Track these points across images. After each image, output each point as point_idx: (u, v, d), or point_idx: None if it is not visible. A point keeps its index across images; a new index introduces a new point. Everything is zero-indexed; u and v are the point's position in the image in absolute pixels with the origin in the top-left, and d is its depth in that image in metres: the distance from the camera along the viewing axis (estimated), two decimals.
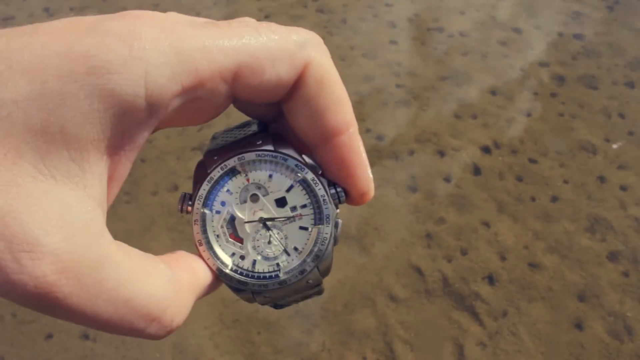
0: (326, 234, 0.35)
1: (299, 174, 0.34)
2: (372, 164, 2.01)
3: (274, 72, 0.29)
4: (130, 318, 0.26)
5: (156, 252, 0.31)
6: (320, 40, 0.31)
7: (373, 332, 1.48)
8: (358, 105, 2.10)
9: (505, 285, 1.56)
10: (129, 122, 0.26)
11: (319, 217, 0.35)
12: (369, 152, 1.91)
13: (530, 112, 2.08)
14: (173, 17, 0.28)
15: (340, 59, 2.28)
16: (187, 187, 0.36)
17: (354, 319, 1.50)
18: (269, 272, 0.34)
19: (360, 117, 2.04)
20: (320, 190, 0.34)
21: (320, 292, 0.38)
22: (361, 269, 1.61)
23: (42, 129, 0.23)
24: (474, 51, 2.33)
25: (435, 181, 1.84)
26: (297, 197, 0.35)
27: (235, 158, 0.34)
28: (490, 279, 1.57)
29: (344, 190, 0.34)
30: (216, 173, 0.34)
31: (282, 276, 0.34)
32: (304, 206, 0.35)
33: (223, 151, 0.35)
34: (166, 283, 0.29)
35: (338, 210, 0.35)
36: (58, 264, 0.23)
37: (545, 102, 2.11)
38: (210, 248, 0.34)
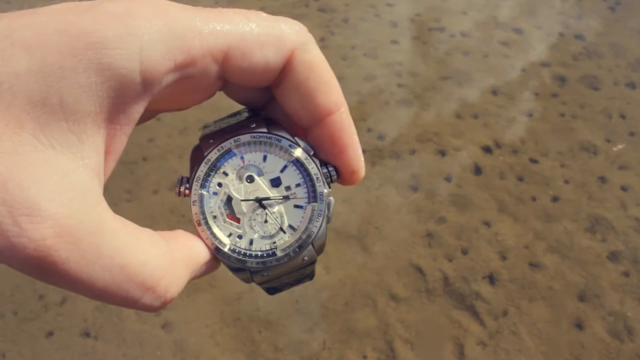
0: (320, 211, 0.36)
1: (292, 154, 0.35)
2: (373, 164, 2.01)
3: (263, 55, 0.30)
4: (126, 286, 0.27)
5: None
6: (306, 29, 0.33)
7: (374, 331, 1.48)
8: (359, 105, 2.10)
9: (506, 285, 1.56)
10: (125, 96, 0.27)
11: (313, 196, 0.36)
12: (370, 151, 1.91)
13: (532, 112, 2.08)
14: (166, 1, 0.29)
15: (341, 58, 2.28)
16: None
17: (355, 317, 1.50)
18: (266, 250, 0.35)
19: (361, 117, 2.04)
20: (313, 169, 0.36)
21: (311, 277, 0.39)
22: (362, 268, 1.61)
23: (42, 100, 0.24)
24: (475, 51, 2.33)
25: (436, 181, 1.84)
26: (291, 177, 0.36)
27: (231, 140, 0.35)
28: (491, 279, 1.58)
29: (335, 169, 0.36)
30: (213, 155, 0.35)
31: (279, 253, 0.35)
32: (297, 185, 0.36)
33: (218, 135, 0.36)
34: (161, 254, 0.30)
35: (330, 189, 0.36)
36: (56, 227, 0.24)
37: (546, 102, 2.11)
38: (209, 228, 0.35)
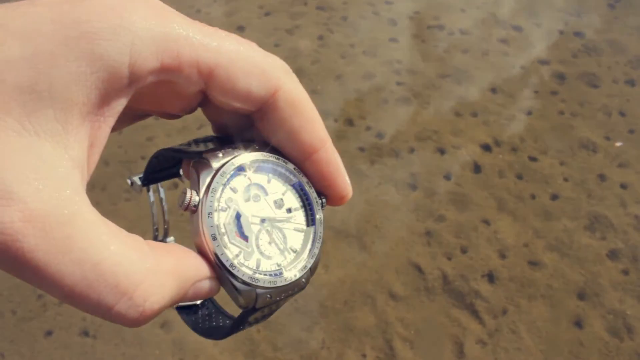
0: (320, 233, 0.37)
1: (294, 178, 0.36)
2: (372, 162, 2.00)
3: (246, 84, 0.31)
4: (98, 286, 0.25)
5: None
6: (289, 69, 0.33)
7: (373, 329, 1.48)
8: (358, 103, 2.09)
9: (505, 283, 1.56)
10: (111, 88, 0.27)
11: (312, 219, 0.37)
12: (369, 150, 1.91)
13: (531, 110, 2.08)
14: (164, 5, 0.29)
15: (340, 56, 2.28)
16: (187, 185, 0.36)
17: (354, 316, 1.50)
18: (272, 270, 0.35)
19: (360, 115, 2.04)
20: (313, 194, 0.36)
21: (303, 288, 0.39)
22: (361, 267, 1.61)
23: (31, 86, 0.24)
24: (474, 49, 2.33)
25: (435, 179, 1.84)
26: (292, 200, 0.36)
27: (244, 155, 0.35)
28: (490, 277, 1.58)
29: (325, 196, 0.37)
30: (227, 168, 0.34)
31: (285, 274, 0.35)
32: (296, 209, 0.37)
33: (227, 150, 0.35)
34: (142, 257, 0.27)
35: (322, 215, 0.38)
36: (26, 211, 0.23)
37: (546, 100, 2.11)
38: (217, 245, 0.33)
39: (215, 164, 0.34)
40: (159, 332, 1.48)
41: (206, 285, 0.32)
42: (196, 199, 0.33)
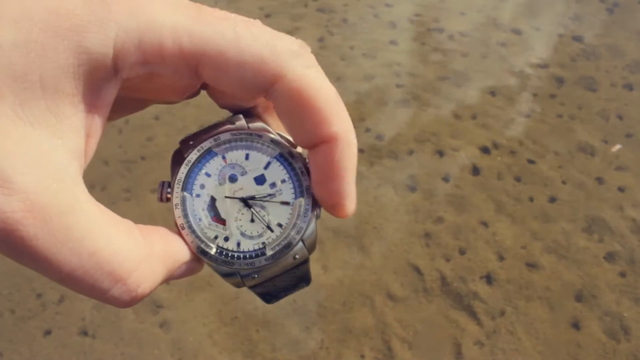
0: (308, 205, 0.34)
1: (275, 150, 0.34)
2: (371, 164, 2.01)
3: (239, 75, 0.28)
4: (94, 273, 0.26)
5: None
6: (306, 50, 0.30)
7: (371, 330, 1.48)
8: (358, 105, 2.10)
9: (503, 285, 1.57)
10: (98, 79, 0.27)
11: (300, 190, 0.35)
12: (369, 151, 1.92)
13: (529, 113, 2.09)
14: None
15: (340, 58, 2.29)
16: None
17: (353, 317, 1.51)
18: (254, 250, 0.34)
19: (360, 117, 2.05)
20: (297, 163, 0.34)
21: (308, 281, 0.38)
22: (360, 268, 1.61)
23: (23, 75, 0.24)
24: (473, 52, 2.34)
25: (434, 181, 1.84)
26: (276, 173, 0.35)
27: (211, 139, 0.34)
28: (488, 279, 1.58)
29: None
30: (193, 156, 0.34)
31: (268, 252, 0.34)
32: (283, 181, 0.35)
33: (198, 135, 0.35)
34: (136, 245, 0.28)
35: None
36: (27, 202, 0.24)
37: (544, 103, 2.12)
38: (193, 232, 0.34)
39: (185, 153, 0.34)
40: (158, 332, 1.48)
41: (190, 265, 0.34)
42: (168, 190, 0.34)
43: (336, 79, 2.17)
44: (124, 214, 0.30)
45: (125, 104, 0.33)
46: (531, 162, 1.90)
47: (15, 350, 1.46)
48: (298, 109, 0.29)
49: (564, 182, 1.84)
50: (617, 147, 1.93)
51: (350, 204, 0.33)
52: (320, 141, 0.31)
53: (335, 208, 0.33)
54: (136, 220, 0.31)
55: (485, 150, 1.94)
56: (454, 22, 2.49)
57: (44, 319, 1.52)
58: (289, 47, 0.29)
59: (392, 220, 1.73)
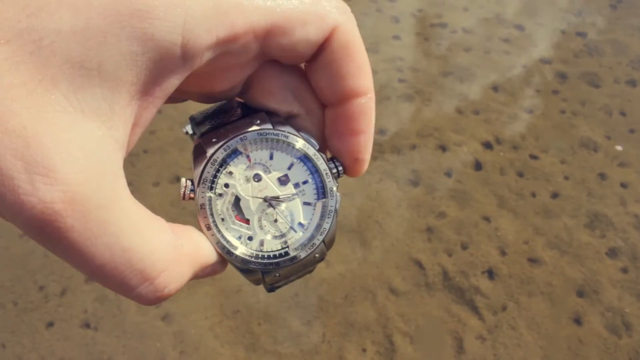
0: (331, 206, 0.35)
1: (299, 151, 0.35)
2: (374, 158, 2.00)
3: (304, 33, 0.30)
4: (124, 270, 0.26)
5: None
6: (348, 9, 0.32)
7: (373, 324, 1.48)
8: None
9: (505, 280, 1.57)
10: (163, 69, 0.26)
11: (322, 192, 0.35)
12: None
13: (532, 108, 2.08)
14: None
15: None
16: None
17: (354, 311, 1.51)
18: (277, 250, 0.35)
19: None
20: (321, 164, 0.35)
21: (311, 271, 0.38)
22: (362, 262, 1.61)
23: (80, 62, 0.24)
24: (477, 47, 2.33)
25: (436, 176, 1.84)
26: (299, 174, 0.35)
27: (237, 138, 0.34)
28: (490, 274, 1.58)
29: (341, 164, 0.35)
30: (219, 155, 0.34)
31: (291, 252, 0.35)
32: (305, 182, 0.35)
33: (222, 133, 0.34)
34: (167, 246, 0.29)
35: (337, 185, 0.36)
36: (68, 193, 0.23)
37: (547, 99, 2.12)
38: (218, 231, 0.34)
39: (210, 150, 0.34)
40: (160, 325, 1.48)
41: (215, 267, 0.34)
42: (191, 188, 0.34)
43: None
44: None
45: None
46: (534, 157, 1.90)
47: (17, 342, 1.46)
48: (344, 60, 0.32)
49: (566, 178, 1.83)
50: (618, 148, 1.93)
51: (368, 161, 0.36)
52: (355, 94, 0.33)
53: (357, 163, 0.35)
54: None
55: (487, 145, 1.94)
56: (457, 17, 2.48)
57: (47, 311, 1.52)
58: (336, 4, 0.31)
59: (394, 214, 1.73)
